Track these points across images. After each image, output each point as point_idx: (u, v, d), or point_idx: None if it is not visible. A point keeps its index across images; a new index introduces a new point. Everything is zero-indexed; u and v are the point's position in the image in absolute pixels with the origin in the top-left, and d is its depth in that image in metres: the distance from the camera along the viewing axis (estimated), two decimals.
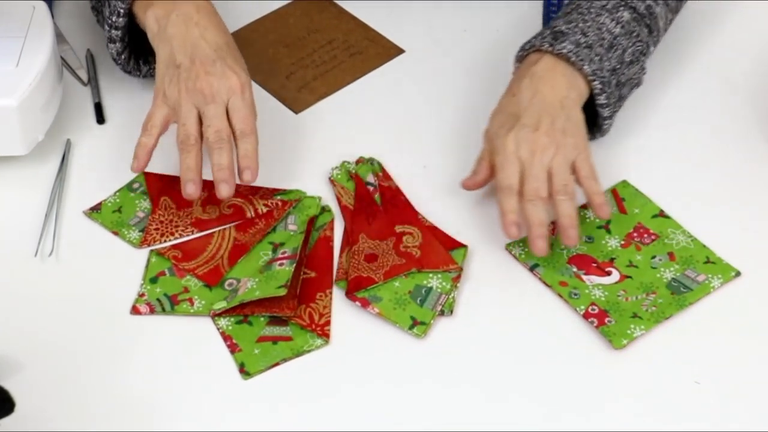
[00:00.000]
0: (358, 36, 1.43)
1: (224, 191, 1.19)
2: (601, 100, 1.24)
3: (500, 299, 1.17)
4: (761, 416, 1.08)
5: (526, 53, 1.26)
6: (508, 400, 1.09)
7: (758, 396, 1.10)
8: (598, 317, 1.15)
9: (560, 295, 1.17)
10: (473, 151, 1.31)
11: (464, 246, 1.21)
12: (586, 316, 1.15)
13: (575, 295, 1.17)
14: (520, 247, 1.21)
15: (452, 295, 1.17)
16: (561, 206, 1.17)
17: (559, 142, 1.19)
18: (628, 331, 1.13)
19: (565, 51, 1.22)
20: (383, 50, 1.42)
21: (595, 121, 1.27)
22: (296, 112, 1.35)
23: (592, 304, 1.16)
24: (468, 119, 1.35)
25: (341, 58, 1.41)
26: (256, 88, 1.37)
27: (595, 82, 1.23)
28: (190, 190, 1.20)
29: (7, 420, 0.99)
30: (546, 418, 1.08)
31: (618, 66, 1.26)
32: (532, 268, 1.19)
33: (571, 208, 1.17)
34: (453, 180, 1.28)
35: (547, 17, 1.46)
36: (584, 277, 1.19)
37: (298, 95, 1.36)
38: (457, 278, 1.18)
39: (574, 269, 1.19)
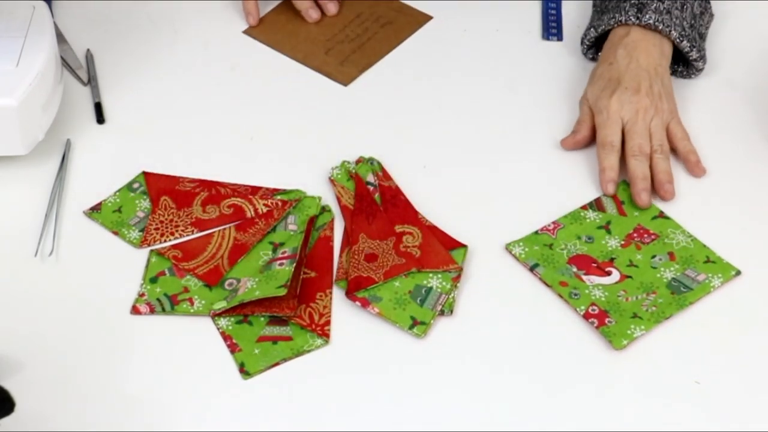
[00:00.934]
0: (384, 7, 1.46)
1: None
2: (693, 55, 1.35)
3: (500, 299, 1.17)
4: (761, 416, 1.08)
5: (610, 27, 1.35)
6: (508, 401, 1.09)
7: (758, 396, 1.10)
8: (599, 317, 1.15)
9: (560, 295, 1.17)
10: (473, 151, 1.31)
11: (464, 246, 1.21)
12: (586, 316, 1.15)
13: (575, 295, 1.17)
14: (520, 247, 1.21)
15: (452, 295, 1.17)
16: (659, 164, 1.27)
17: (658, 106, 1.29)
18: (629, 332, 1.13)
19: (651, 21, 1.32)
20: (412, 18, 1.45)
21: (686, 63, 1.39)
22: (345, 84, 1.37)
23: (593, 304, 1.16)
24: (468, 119, 1.35)
25: (373, 29, 1.43)
26: (299, 67, 1.39)
27: (684, 43, 1.33)
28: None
29: (7, 420, 0.99)
30: (546, 418, 1.08)
31: (693, 21, 1.34)
32: (532, 268, 1.19)
33: (667, 165, 1.27)
34: (453, 180, 1.28)
35: (546, 17, 1.46)
36: (584, 277, 1.19)
37: (342, 68, 1.39)
38: (457, 278, 1.18)
39: (574, 269, 1.19)
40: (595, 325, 1.14)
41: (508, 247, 1.21)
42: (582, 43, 1.39)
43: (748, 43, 1.42)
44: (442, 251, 1.20)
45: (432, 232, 1.22)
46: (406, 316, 1.15)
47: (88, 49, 1.41)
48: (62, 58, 1.38)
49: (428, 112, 1.36)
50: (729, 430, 1.07)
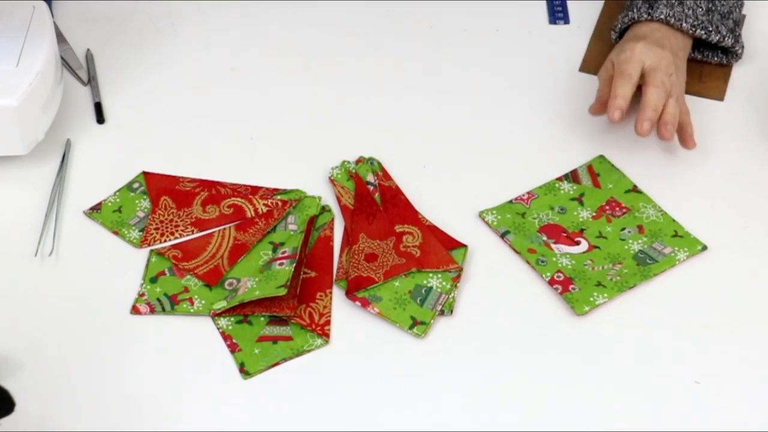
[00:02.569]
0: None
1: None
2: (713, 38, 1.33)
3: (500, 299, 1.17)
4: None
5: (627, 26, 1.34)
6: (508, 401, 1.09)
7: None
8: (563, 284, 1.16)
9: (528, 262, 1.18)
10: (473, 151, 1.31)
11: (464, 246, 1.21)
12: (551, 282, 1.17)
13: (542, 262, 1.18)
14: (492, 215, 1.22)
15: (452, 294, 1.17)
16: (670, 106, 1.24)
17: (679, 65, 1.28)
18: (591, 299, 1.15)
19: (663, 17, 1.30)
20: None
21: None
22: (721, 100, 1.35)
23: (558, 271, 1.17)
24: (468, 119, 1.35)
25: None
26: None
27: (698, 32, 1.31)
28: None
29: (7, 420, 0.99)
30: (546, 419, 1.08)
31: (711, 5, 1.32)
32: (502, 235, 1.20)
33: (677, 110, 1.25)
34: (453, 180, 1.28)
35: (553, 14, 1.46)
36: (553, 246, 1.20)
37: (703, 84, 1.36)
38: (457, 278, 1.18)
39: (544, 238, 1.21)
40: (559, 291, 1.16)
41: (482, 215, 1.22)
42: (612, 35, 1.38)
43: (748, 44, 1.42)
44: (442, 251, 1.20)
45: (432, 231, 1.22)
46: (406, 316, 1.15)
47: (88, 49, 1.41)
48: (62, 58, 1.38)
49: (428, 112, 1.36)
50: (726, 430, 1.08)
